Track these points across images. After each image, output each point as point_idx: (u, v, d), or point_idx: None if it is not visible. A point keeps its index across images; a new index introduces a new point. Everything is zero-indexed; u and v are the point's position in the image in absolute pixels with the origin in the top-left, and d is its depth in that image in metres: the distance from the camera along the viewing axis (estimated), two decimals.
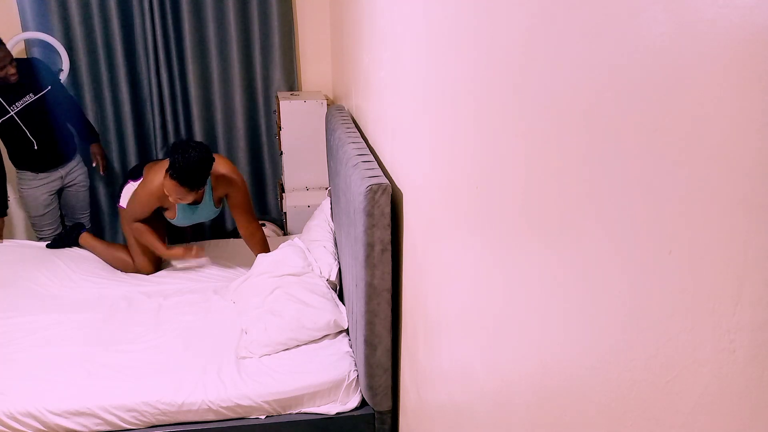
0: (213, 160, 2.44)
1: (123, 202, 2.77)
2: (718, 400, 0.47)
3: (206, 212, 2.71)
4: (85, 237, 2.94)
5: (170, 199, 2.49)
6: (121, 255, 2.82)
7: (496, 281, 0.93)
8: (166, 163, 2.68)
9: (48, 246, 2.96)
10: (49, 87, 2.93)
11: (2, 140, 2.92)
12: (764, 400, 0.43)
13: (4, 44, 2.69)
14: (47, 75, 2.97)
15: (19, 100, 2.81)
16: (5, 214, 3.01)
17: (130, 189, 2.75)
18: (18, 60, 2.81)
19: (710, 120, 0.47)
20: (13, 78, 2.73)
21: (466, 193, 1.05)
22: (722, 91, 0.45)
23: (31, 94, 2.85)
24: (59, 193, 3.15)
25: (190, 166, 2.34)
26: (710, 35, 0.46)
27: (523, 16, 0.79)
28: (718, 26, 0.45)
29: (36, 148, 2.91)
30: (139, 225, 2.65)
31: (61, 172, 3.10)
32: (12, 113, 2.80)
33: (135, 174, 2.79)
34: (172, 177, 2.37)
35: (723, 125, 0.45)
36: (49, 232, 3.15)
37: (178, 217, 2.68)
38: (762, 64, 0.41)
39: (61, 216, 3.23)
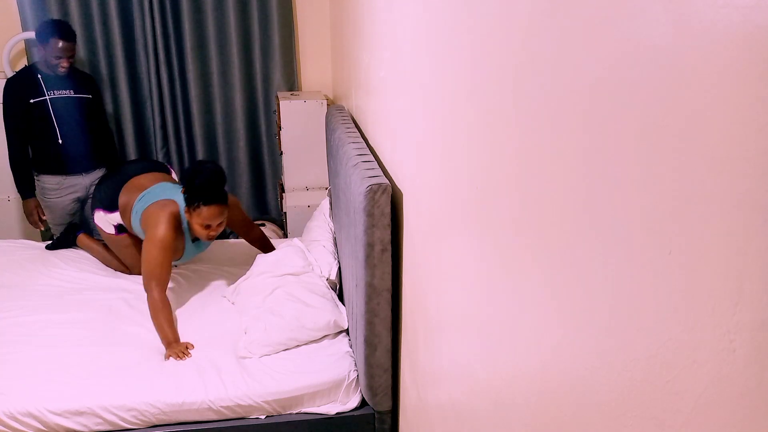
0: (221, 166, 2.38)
1: (100, 222, 2.66)
2: (718, 400, 0.47)
3: (206, 243, 2.62)
4: (82, 238, 2.92)
5: (210, 231, 2.29)
6: (117, 261, 2.81)
7: (497, 281, 0.93)
8: (135, 191, 2.50)
9: (47, 248, 2.96)
10: (90, 96, 3.01)
11: (30, 135, 2.93)
12: (764, 400, 0.43)
13: (75, 40, 2.86)
14: (94, 90, 3.07)
15: (58, 90, 2.90)
16: (33, 195, 3.01)
17: (102, 219, 2.64)
18: (79, 70, 3.03)
19: (710, 120, 0.47)
20: (61, 70, 2.82)
21: (467, 193, 1.05)
22: (722, 91, 0.45)
23: (71, 91, 2.93)
24: (82, 203, 3.13)
25: (216, 178, 2.22)
26: (710, 35, 0.46)
27: (523, 15, 0.79)
28: (718, 26, 0.45)
29: (61, 142, 2.92)
30: (164, 300, 2.25)
31: (87, 180, 3.07)
32: (47, 98, 2.86)
33: (105, 203, 2.62)
34: (208, 202, 2.21)
35: (723, 125, 0.45)
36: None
37: (185, 256, 2.52)
38: (762, 64, 0.41)
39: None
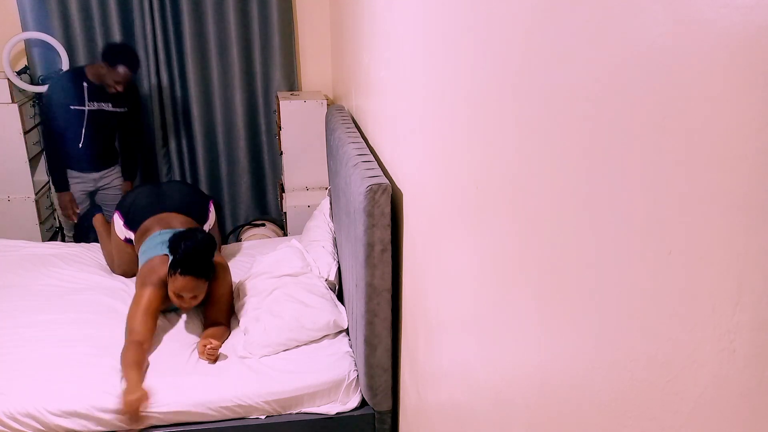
0: (215, 240, 2.29)
1: (116, 224, 2.69)
2: (718, 400, 0.47)
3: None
4: (98, 217, 2.96)
5: (183, 302, 2.17)
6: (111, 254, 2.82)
7: (497, 280, 0.93)
8: (163, 225, 2.47)
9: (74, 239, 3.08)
10: (126, 109, 3.08)
11: (57, 129, 2.98)
12: (764, 400, 0.43)
13: (138, 67, 2.91)
14: (133, 101, 3.13)
15: (98, 101, 2.97)
16: (68, 189, 3.09)
17: (118, 225, 2.65)
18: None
19: (710, 120, 0.47)
20: (113, 91, 2.89)
21: (467, 192, 1.05)
22: (722, 91, 0.45)
23: (110, 104, 3.00)
24: (92, 195, 3.20)
25: (200, 250, 2.12)
26: (710, 35, 0.46)
27: (523, 15, 0.79)
28: (718, 26, 0.45)
29: (81, 146, 3.01)
30: (137, 355, 2.02)
31: (98, 175, 3.16)
32: (86, 108, 2.94)
33: (129, 219, 2.62)
34: (184, 273, 2.11)
35: (723, 125, 0.45)
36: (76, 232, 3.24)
37: (173, 308, 2.39)
38: (762, 64, 0.41)
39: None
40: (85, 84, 2.92)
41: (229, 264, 2.81)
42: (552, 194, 0.73)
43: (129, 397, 1.86)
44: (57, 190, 3.10)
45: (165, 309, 2.34)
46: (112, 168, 3.21)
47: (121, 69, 2.81)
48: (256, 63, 3.40)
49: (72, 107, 2.92)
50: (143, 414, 1.87)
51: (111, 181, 3.22)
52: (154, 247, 2.42)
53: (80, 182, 3.12)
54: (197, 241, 2.16)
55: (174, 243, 2.17)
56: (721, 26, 0.45)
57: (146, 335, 2.11)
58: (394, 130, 1.71)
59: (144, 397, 1.88)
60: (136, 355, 2.02)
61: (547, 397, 0.77)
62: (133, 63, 2.86)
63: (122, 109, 3.06)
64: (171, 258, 2.18)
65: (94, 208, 3.15)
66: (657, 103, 0.52)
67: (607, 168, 0.60)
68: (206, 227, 2.73)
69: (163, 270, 2.24)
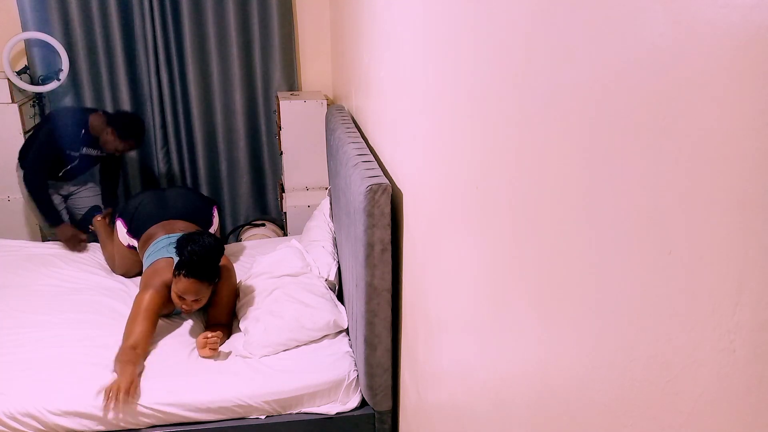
0: (223, 244, 2.26)
1: (118, 228, 2.71)
2: (718, 400, 0.47)
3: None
4: (98, 219, 2.96)
5: (185, 305, 2.15)
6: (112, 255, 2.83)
7: (497, 280, 0.93)
8: (168, 230, 2.52)
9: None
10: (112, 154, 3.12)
11: (44, 150, 2.96)
12: (764, 400, 0.43)
13: (141, 141, 2.99)
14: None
15: (88, 147, 3.00)
16: (62, 222, 3.00)
17: (121, 230, 2.68)
18: None
19: (710, 120, 0.47)
20: (106, 150, 2.94)
21: (467, 192, 1.05)
22: (722, 91, 0.45)
23: (99, 151, 3.04)
24: (65, 199, 3.19)
25: (207, 253, 2.10)
26: (710, 35, 0.46)
27: (524, 15, 0.79)
28: (718, 26, 0.45)
29: (60, 175, 3.05)
30: (130, 357, 2.02)
31: (69, 183, 3.17)
32: (77, 153, 2.99)
33: (132, 227, 2.67)
34: (188, 275, 2.09)
35: (723, 125, 0.45)
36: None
37: (175, 313, 2.40)
38: (762, 64, 0.41)
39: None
40: (83, 130, 2.92)
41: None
42: (552, 194, 0.73)
43: (119, 379, 1.89)
44: (53, 225, 2.95)
45: (168, 313, 2.34)
46: (82, 180, 3.23)
47: (133, 143, 2.90)
48: (256, 63, 3.40)
49: (66, 151, 2.95)
50: (131, 397, 1.88)
51: (81, 187, 3.23)
52: (160, 250, 2.43)
53: (51, 189, 3.07)
54: (205, 245, 2.15)
55: (182, 244, 2.17)
56: (721, 26, 0.45)
57: (140, 340, 2.08)
58: (394, 131, 1.71)
59: (132, 382, 1.89)
60: (130, 357, 2.01)
61: (547, 397, 0.77)
62: (142, 139, 2.95)
63: (109, 154, 3.07)
64: (177, 259, 2.17)
65: (94, 209, 3.16)
66: (657, 103, 0.52)
67: (608, 168, 0.60)
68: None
69: (167, 273, 2.23)
